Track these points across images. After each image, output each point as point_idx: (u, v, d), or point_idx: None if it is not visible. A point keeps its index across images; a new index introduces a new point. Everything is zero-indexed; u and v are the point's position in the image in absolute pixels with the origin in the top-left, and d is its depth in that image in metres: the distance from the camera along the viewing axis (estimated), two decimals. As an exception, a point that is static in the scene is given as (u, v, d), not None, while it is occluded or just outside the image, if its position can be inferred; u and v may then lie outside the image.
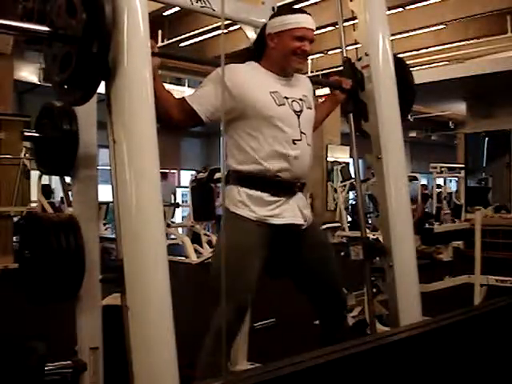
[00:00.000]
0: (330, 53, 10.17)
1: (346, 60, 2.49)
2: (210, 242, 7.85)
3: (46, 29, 1.59)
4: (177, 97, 1.98)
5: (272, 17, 2.13)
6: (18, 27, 1.63)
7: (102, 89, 1.64)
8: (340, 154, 12.27)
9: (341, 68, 2.55)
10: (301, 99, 2.08)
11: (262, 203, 1.97)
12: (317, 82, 2.47)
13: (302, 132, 2.03)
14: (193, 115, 1.94)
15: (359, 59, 2.46)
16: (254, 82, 2.00)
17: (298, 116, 2.04)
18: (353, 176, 9.46)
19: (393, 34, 2.61)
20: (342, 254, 7.48)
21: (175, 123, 1.99)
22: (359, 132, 2.47)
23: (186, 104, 1.94)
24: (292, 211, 2.02)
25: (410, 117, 13.69)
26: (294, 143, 2.00)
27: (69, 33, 1.55)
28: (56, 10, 1.60)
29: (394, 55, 2.43)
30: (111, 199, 1.62)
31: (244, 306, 1.92)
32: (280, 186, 2.00)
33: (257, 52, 2.11)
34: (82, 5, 1.52)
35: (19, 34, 1.73)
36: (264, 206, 1.97)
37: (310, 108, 2.12)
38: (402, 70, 2.47)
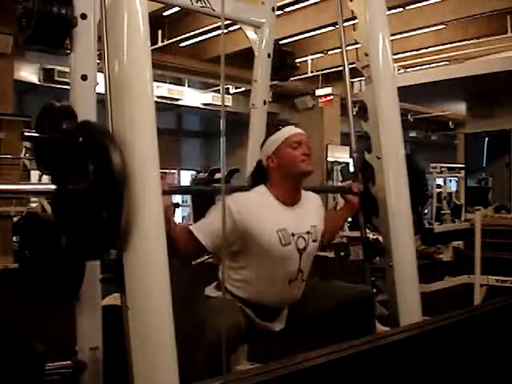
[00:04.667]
0: (330, 53, 10.16)
1: (354, 159, 2.54)
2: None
3: (53, 187, 1.57)
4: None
5: (262, 146, 2.13)
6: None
7: (102, 89, 1.64)
8: (340, 154, 12.27)
9: (340, 68, 2.55)
10: (308, 232, 2.06)
11: (251, 314, 2.01)
12: (328, 191, 2.52)
13: (299, 270, 2.04)
14: (199, 246, 1.94)
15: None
16: (261, 216, 1.97)
17: (301, 254, 2.03)
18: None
19: (393, 34, 2.62)
20: (342, 253, 7.50)
21: (183, 255, 2.00)
22: (371, 224, 2.53)
23: (192, 236, 1.94)
24: (275, 327, 2.08)
25: (409, 117, 13.71)
26: (289, 284, 2.02)
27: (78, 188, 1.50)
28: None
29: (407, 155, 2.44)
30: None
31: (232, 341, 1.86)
32: (267, 313, 2.05)
33: (262, 178, 2.09)
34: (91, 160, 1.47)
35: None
36: (251, 315, 2.02)
37: (316, 240, 2.10)
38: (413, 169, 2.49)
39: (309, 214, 2.10)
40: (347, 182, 2.46)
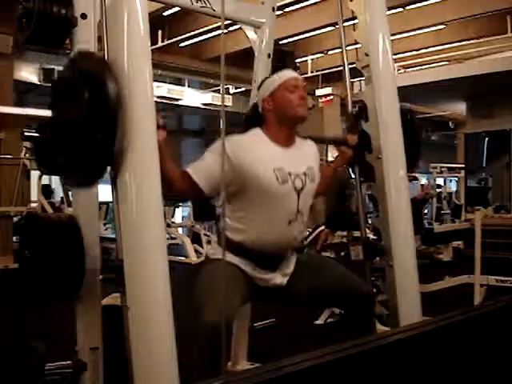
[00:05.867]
0: (330, 53, 10.17)
1: (349, 114, 2.52)
2: (210, 242, 7.85)
3: (49, 114, 1.58)
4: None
5: (259, 87, 2.13)
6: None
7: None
8: (340, 154, 12.24)
9: (340, 68, 2.55)
10: (305, 173, 2.05)
11: (250, 267, 2.00)
12: (323, 141, 2.51)
13: (298, 211, 2.02)
14: (195, 187, 1.93)
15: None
16: (257, 156, 1.97)
17: (299, 194, 2.01)
18: (352, 176, 9.46)
19: (393, 34, 2.62)
20: (342, 253, 7.49)
21: (178, 193, 1.98)
22: (365, 177, 2.51)
23: (188, 176, 1.93)
24: (276, 279, 2.04)
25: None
26: (289, 223, 2.00)
27: (72, 117, 1.53)
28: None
29: (403, 109, 2.43)
30: (111, 199, 1.62)
31: (225, 323, 1.86)
32: (268, 259, 2.02)
33: (255, 121, 2.09)
34: (85, 86, 1.50)
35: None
36: (251, 269, 2.00)
37: (313, 181, 2.09)
38: (410, 123, 2.48)
39: (305, 156, 2.11)
40: (342, 135, 2.43)
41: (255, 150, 1.98)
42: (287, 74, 2.09)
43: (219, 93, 11.66)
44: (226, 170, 1.86)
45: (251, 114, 2.14)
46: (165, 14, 8.60)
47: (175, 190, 1.92)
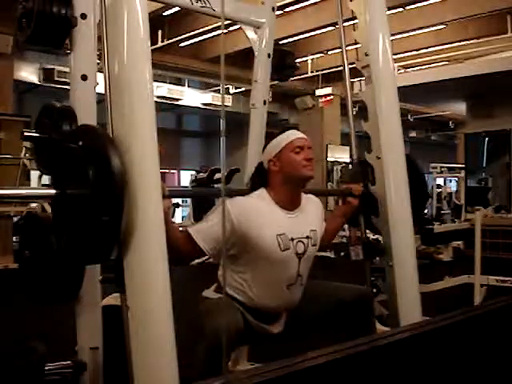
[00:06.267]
0: (330, 53, 10.16)
1: (353, 163, 2.54)
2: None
3: (53, 191, 1.56)
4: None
5: (263, 149, 2.13)
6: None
7: (101, 89, 1.64)
8: (340, 154, 12.26)
9: (340, 68, 2.55)
10: (308, 237, 2.06)
11: (250, 317, 2.01)
12: (327, 194, 2.51)
13: (298, 275, 2.04)
14: (197, 249, 1.93)
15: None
16: (261, 221, 1.96)
17: (300, 259, 2.03)
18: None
19: (393, 34, 2.62)
20: (342, 254, 7.49)
21: (181, 259, 1.97)
22: (370, 227, 2.53)
23: (190, 238, 1.92)
24: (274, 329, 2.08)
25: (409, 117, 13.71)
26: (288, 288, 2.02)
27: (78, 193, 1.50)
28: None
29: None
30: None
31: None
32: (267, 317, 2.05)
33: (262, 181, 2.08)
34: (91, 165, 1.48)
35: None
36: (252, 318, 2.02)
37: (315, 245, 2.10)
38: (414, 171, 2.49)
39: (309, 218, 2.10)
40: (346, 186, 2.45)
41: (259, 214, 1.97)
42: (293, 134, 2.08)
43: (219, 93, 11.66)
44: (229, 232, 1.88)
45: (256, 173, 2.13)
46: (165, 14, 8.59)
47: (179, 254, 1.90)
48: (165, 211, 1.66)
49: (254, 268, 1.98)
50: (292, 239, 2.00)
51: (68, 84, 1.97)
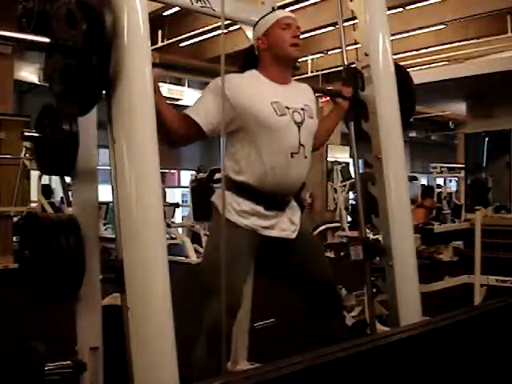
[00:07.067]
0: (330, 53, 10.17)
1: (345, 68, 2.50)
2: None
3: (47, 40, 1.57)
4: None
5: (254, 26, 2.15)
6: (19, 38, 1.62)
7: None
8: (340, 154, 12.26)
9: (341, 68, 2.55)
10: (302, 109, 2.06)
11: (254, 214, 1.99)
12: (317, 91, 2.48)
13: (301, 144, 2.02)
14: (195, 128, 1.93)
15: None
16: (254, 92, 1.99)
17: (299, 127, 2.02)
18: (353, 176, 9.46)
19: (393, 34, 2.62)
20: (342, 254, 7.49)
21: (177, 138, 1.95)
22: (360, 136, 2.48)
23: (187, 117, 1.93)
24: (283, 223, 2.05)
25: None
26: (292, 156, 2.00)
27: (69, 44, 1.54)
28: (57, 21, 1.59)
29: (394, 63, 2.44)
30: (111, 199, 1.62)
31: (232, 304, 1.89)
32: (273, 200, 2.02)
33: (252, 62, 2.11)
34: (83, 16, 1.51)
35: (20, 44, 1.72)
36: (255, 216, 2.00)
37: (312, 117, 2.10)
38: (403, 78, 2.48)
39: (302, 95, 2.13)
40: (338, 87, 2.42)
41: (252, 86, 2.01)
42: (281, 12, 2.13)
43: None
44: (226, 108, 1.89)
45: (247, 55, 2.15)
46: (165, 14, 8.60)
47: (174, 132, 1.91)
48: (154, 81, 1.64)
49: (255, 139, 1.97)
50: (287, 108, 2.01)
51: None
